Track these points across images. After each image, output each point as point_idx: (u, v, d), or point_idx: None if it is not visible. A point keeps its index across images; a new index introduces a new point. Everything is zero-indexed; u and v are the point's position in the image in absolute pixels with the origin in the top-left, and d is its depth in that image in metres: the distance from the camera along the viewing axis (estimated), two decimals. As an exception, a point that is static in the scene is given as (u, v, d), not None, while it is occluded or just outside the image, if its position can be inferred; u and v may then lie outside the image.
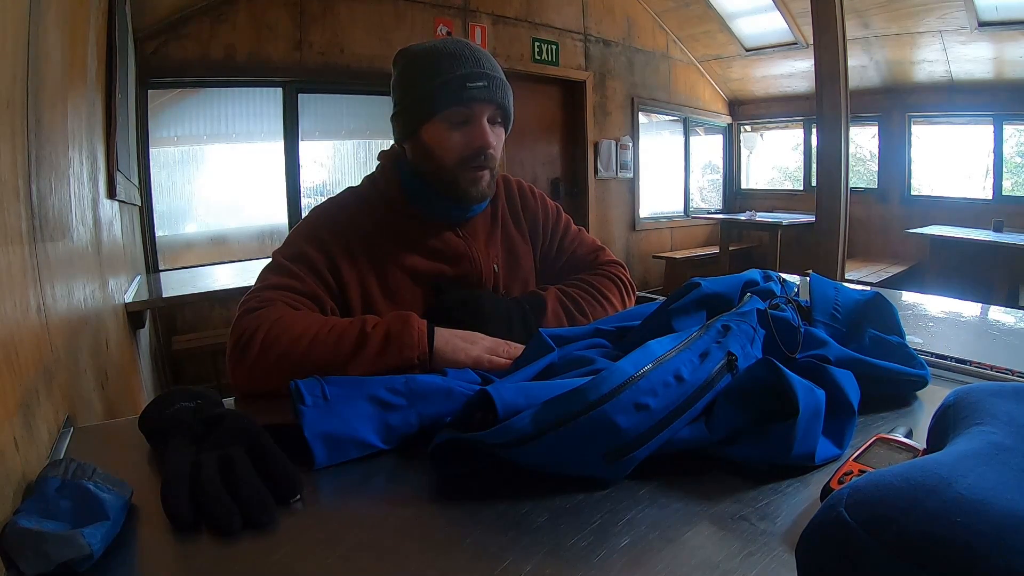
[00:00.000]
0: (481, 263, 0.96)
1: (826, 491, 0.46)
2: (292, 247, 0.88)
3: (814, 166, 4.62)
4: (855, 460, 0.49)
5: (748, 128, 6.61)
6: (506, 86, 0.90)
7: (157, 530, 0.45)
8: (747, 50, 5.57)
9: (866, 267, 4.99)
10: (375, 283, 0.89)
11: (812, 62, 3.18)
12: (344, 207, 0.94)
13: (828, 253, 3.21)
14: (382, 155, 0.99)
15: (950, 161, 5.23)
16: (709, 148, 6.62)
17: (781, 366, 0.54)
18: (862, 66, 5.04)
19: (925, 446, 0.48)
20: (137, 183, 2.77)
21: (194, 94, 3.33)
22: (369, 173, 0.99)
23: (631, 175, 5.41)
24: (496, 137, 0.91)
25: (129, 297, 2.04)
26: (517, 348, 0.78)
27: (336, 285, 0.87)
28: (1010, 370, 0.79)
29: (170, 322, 3.15)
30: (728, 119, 6.54)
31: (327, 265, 0.86)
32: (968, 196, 5.11)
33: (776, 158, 6.62)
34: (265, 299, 0.80)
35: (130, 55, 2.54)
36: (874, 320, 0.76)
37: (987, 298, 3.82)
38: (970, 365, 0.80)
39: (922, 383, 0.69)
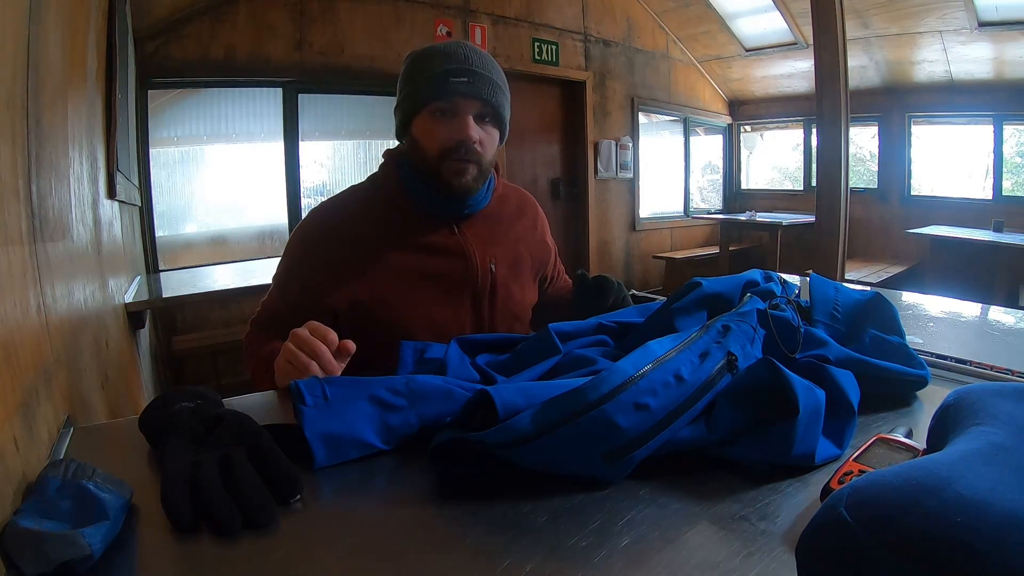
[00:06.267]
0: (476, 260, 0.98)
1: (826, 491, 0.46)
2: (280, 272, 0.98)
3: (814, 166, 4.63)
4: (855, 460, 0.49)
5: (748, 128, 6.61)
6: (496, 86, 0.92)
7: (157, 530, 0.45)
8: (747, 50, 5.57)
9: (866, 267, 4.99)
10: (365, 287, 0.93)
11: (812, 62, 3.18)
12: (338, 210, 0.98)
13: (828, 253, 3.20)
14: (386, 153, 1.02)
15: (950, 161, 5.23)
16: (709, 148, 6.62)
17: (781, 366, 0.54)
18: (862, 66, 5.04)
19: (925, 446, 0.48)
20: (137, 183, 2.76)
21: (194, 94, 3.33)
22: (373, 172, 1.03)
23: (631, 175, 5.41)
24: (484, 134, 0.92)
25: (129, 297, 2.04)
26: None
27: (316, 306, 0.91)
28: (1010, 370, 0.79)
29: (170, 322, 3.15)
30: (728, 119, 6.53)
31: (307, 291, 0.93)
32: (968, 196, 5.11)
33: (776, 158, 6.61)
34: (253, 322, 0.99)
35: (130, 55, 2.54)
36: (874, 320, 0.76)
37: (987, 298, 3.82)
38: (970, 365, 0.80)
39: (922, 383, 0.69)
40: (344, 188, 1.02)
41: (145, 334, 2.33)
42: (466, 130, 0.89)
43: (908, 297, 1.38)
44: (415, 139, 0.93)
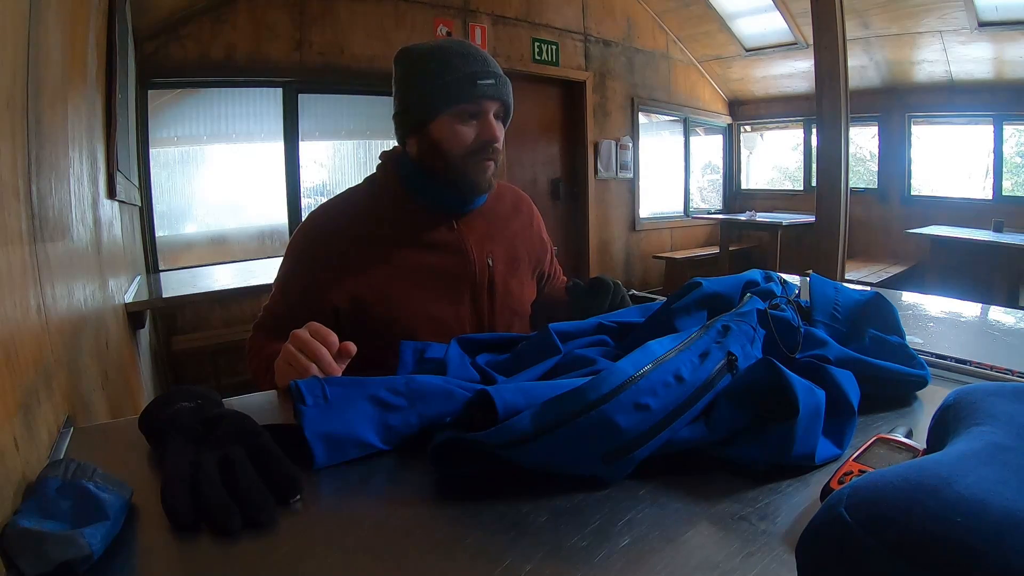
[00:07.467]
0: (474, 255, 0.99)
1: (826, 491, 0.46)
2: (281, 275, 0.99)
3: (814, 166, 4.62)
4: (855, 460, 0.49)
5: (748, 128, 6.61)
6: (509, 84, 0.97)
7: (157, 530, 0.45)
8: (747, 50, 5.57)
9: (866, 267, 4.99)
10: (365, 284, 0.94)
11: (812, 62, 3.18)
12: (337, 211, 0.99)
13: (828, 253, 3.20)
14: (383, 155, 1.04)
15: (950, 161, 5.23)
16: (709, 148, 6.62)
17: (781, 366, 0.54)
18: (862, 66, 5.04)
19: (925, 446, 0.48)
20: (137, 183, 2.76)
21: (194, 94, 3.33)
22: (370, 173, 1.04)
23: (631, 175, 5.41)
24: (500, 131, 0.96)
25: (129, 297, 2.04)
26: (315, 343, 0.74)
27: (317, 306, 0.92)
28: (1010, 370, 0.79)
29: (170, 322, 3.15)
30: (728, 119, 6.53)
31: (308, 291, 0.94)
32: (968, 196, 5.11)
33: (776, 158, 6.61)
34: (255, 326, 0.99)
35: (130, 55, 2.54)
36: (874, 320, 0.76)
37: (987, 298, 3.82)
38: (970, 365, 0.80)
39: (922, 383, 0.69)
40: (342, 190, 1.04)
41: (145, 334, 2.33)
42: (493, 131, 0.93)
43: (908, 297, 1.38)
44: (436, 142, 0.94)
